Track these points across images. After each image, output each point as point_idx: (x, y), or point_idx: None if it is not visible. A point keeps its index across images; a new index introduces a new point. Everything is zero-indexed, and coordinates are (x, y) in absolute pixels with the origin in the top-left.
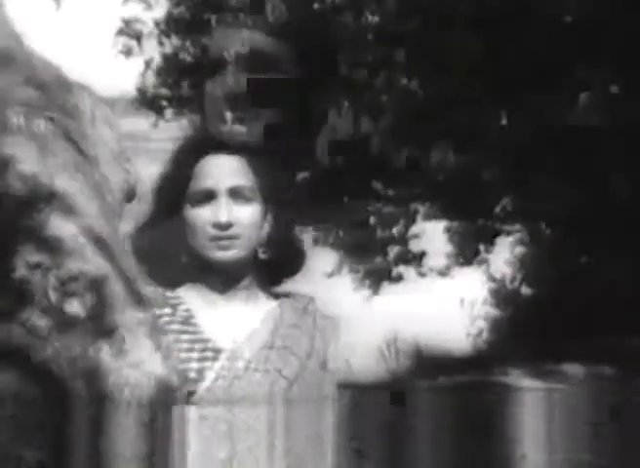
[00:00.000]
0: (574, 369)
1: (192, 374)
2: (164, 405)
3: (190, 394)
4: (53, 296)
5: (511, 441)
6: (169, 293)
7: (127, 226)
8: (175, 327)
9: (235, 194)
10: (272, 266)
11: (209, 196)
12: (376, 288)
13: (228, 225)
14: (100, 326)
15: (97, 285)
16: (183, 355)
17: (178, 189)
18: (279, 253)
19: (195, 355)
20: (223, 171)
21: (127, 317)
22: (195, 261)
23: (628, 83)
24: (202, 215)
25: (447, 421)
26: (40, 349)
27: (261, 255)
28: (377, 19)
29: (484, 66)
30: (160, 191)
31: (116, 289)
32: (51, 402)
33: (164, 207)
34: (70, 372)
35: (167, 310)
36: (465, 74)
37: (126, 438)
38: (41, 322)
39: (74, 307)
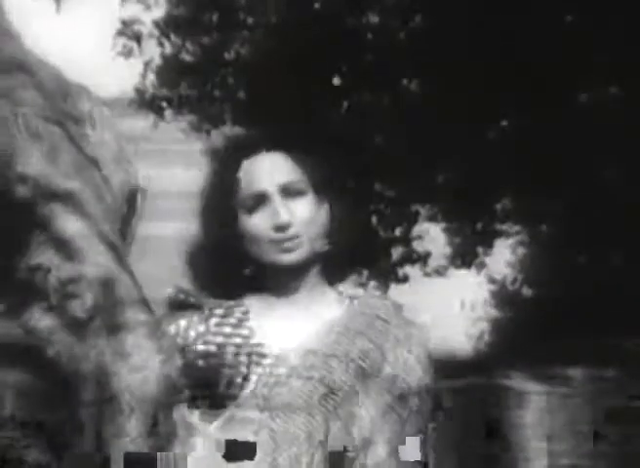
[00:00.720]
0: (575, 371)
1: (238, 379)
2: (166, 407)
3: (232, 398)
4: (53, 298)
5: (513, 444)
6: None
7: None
8: (226, 329)
9: (287, 191)
10: (335, 258)
11: (261, 199)
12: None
13: (289, 225)
14: (102, 327)
15: (98, 286)
16: (231, 359)
17: (226, 200)
18: (340, 243)
19: (243, 359)
20: (270, 169)
21: (128, 319)
22: (260, 270)
23: (628, 83)
24: (260, 221)
25: (448, 424)
26: (42, 350)
27: (323, 248)
28: (377, 18)
29: (484, 66)
30: (208, 205)
31: (118, 290)
32: (53, 403)
33: (215, 221)
34: (72, 374)
35: (219, 311)
36: (465, 74)
37: (128, 440)
38: (42, 323)
39: (75, 309)
